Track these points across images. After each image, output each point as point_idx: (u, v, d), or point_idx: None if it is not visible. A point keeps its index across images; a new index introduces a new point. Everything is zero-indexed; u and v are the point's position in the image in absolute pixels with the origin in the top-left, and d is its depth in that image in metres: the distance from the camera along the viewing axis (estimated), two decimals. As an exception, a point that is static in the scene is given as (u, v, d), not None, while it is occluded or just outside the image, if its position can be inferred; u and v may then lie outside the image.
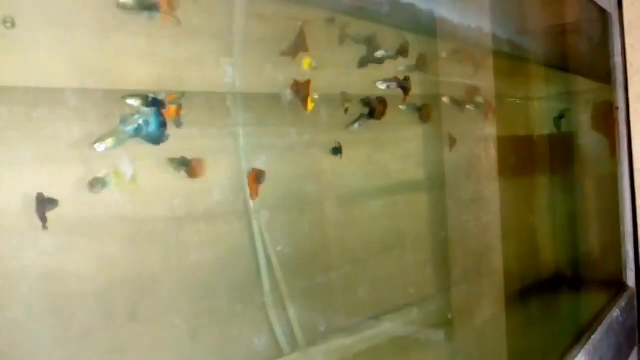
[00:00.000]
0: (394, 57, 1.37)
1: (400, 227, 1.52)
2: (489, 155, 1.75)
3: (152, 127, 0.84)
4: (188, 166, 0.91)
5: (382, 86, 1.30)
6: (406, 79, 1.37)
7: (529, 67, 2.11)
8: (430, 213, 1.64)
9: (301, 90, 1.10)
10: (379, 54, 1.29)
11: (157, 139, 0.85)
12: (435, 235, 1.63)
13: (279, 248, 1.10)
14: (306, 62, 1.14)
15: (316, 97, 1.14)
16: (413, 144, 1.58)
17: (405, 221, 1.55)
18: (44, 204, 0.72)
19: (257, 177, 1.02)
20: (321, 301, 1.25)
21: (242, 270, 1.08)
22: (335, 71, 1.26)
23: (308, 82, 1.10)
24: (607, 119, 2.44)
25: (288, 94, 1.09)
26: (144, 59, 0.88)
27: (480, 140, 1.74)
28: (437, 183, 1.62)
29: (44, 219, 0.72)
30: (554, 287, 2.14)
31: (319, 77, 1.15)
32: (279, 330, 1.12)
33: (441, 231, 1.62)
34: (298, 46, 1.12)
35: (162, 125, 0.86)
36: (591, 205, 2.53)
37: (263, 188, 1.07)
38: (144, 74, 0.88)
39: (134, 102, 0.83)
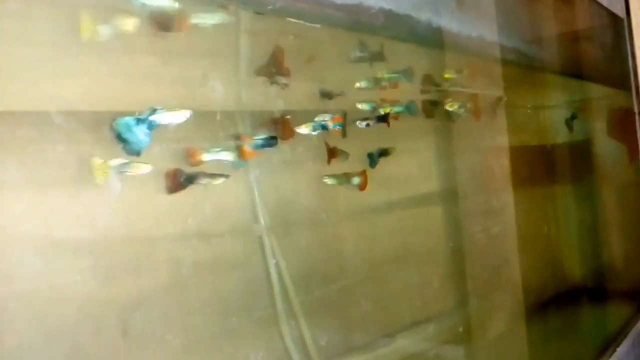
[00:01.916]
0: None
1: (414, 240, 1.49)
2: (501, 165, 1.72)
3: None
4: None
5: (362, 125, 1.27)
6: (385, 116, 1.34)
7: (540, 76, 2.09)
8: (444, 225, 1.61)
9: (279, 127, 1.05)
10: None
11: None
12: (450, 249, 1.60)
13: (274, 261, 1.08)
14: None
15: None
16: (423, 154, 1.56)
17: (419, 234, 1.52)
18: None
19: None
20: (335, 318, 1.22)
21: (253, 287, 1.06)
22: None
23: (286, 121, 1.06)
24: (624, 125, 2.40)
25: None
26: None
27: (486, 150, 1.72)
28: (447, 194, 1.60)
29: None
30: (575, 300, 2.09)
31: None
32: (292, 350, 1.10)
33: (455, 244, 1.59)
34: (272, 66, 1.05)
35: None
36: (611, 214, 2.47)
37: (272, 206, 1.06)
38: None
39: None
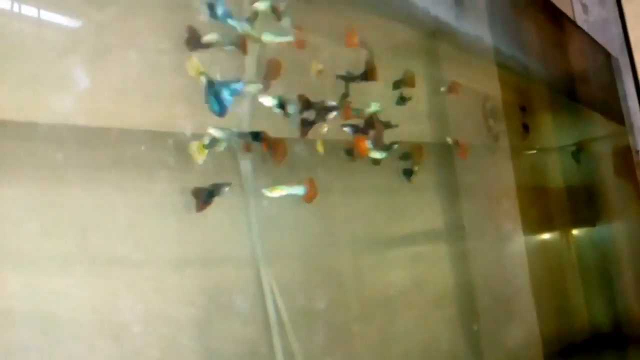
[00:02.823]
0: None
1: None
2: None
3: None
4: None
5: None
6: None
7: (544, 119, 2.07)
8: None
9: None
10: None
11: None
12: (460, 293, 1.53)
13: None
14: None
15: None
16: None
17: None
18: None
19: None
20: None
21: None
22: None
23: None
24: (630, 162, 2.37)
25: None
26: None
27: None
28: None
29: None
30: (594, 347, 2.01)
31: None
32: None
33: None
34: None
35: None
36: (623, 255, 2.41)
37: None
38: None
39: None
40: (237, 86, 0.95)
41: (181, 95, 0.89)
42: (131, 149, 0.81)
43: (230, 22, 0.95)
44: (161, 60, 0.88)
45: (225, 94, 0.93)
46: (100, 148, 0.78)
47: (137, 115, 0.83)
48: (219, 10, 0.94)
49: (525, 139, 1.82)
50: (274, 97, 1.01)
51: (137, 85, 0.83)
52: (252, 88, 0.98)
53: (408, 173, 1.34)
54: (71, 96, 0.74)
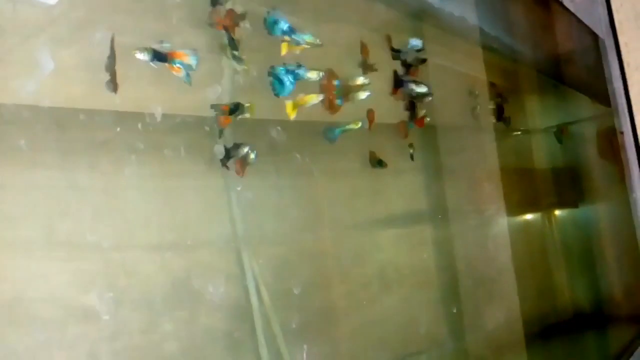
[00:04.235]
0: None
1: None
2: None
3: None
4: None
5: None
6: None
7: (530, 101, 2.07)
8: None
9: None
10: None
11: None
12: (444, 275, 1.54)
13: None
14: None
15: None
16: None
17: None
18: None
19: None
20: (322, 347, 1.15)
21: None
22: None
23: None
24: (614, 144, 2.37)
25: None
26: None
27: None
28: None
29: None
30: (575, 327, 2.03)
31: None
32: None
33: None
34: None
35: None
36: (605, 236, 2.43)
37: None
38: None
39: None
40: (300, 72, 1.07)
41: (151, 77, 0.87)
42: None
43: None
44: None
45: (289, 79, 1.04)
46: (72, 130, 0.76)
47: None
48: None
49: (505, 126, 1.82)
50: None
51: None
52: (313, 75, 1.10)
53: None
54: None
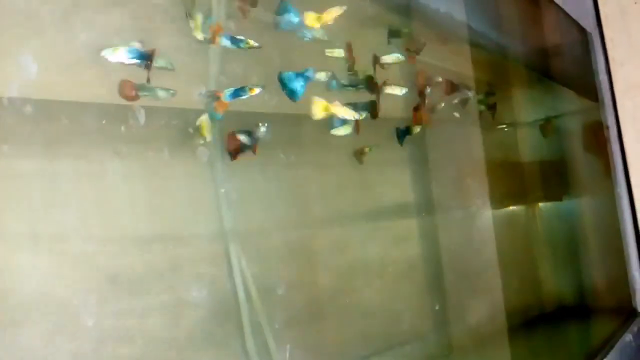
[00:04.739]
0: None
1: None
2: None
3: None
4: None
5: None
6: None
7: (515, 95, 2.08)
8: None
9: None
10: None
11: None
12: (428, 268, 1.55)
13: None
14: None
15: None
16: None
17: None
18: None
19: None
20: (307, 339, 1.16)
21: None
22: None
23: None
24: (599, 138, 2.39)
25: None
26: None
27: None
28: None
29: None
30: (559, 319, 2.05)
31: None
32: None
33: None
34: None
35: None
36: (589, 229, 2.45)
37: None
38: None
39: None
40: (309, 74, 1.08)
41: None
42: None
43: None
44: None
45: (299, 82, 1.06)
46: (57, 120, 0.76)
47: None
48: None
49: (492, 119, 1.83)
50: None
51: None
52: (321, 75, 1.14)
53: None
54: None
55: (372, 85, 1.29)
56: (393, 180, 1.51)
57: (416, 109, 1.44)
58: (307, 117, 1.14)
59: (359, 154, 1.29)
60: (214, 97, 0.96)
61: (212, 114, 0.96)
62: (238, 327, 1.00)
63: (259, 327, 1.02)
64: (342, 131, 1.18)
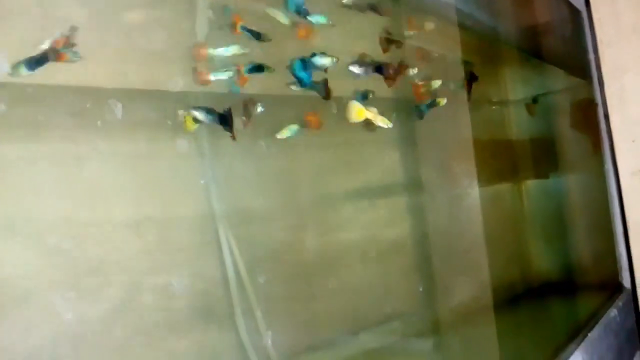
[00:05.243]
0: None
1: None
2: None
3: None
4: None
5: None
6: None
7: (502, 74, 2.08)
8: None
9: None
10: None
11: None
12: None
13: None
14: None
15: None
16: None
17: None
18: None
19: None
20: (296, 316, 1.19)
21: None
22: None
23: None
24: (587, 115, 2.40)
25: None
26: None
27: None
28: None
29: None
30: (545, 294, 2.08)
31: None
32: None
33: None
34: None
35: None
36: (575, 206, 2.47)
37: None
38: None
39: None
40: (314, 60, 1.13)
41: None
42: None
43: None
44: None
45: (308, 72, 1.11)
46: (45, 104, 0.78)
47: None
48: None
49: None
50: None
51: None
52: (327, 61, 1.15)
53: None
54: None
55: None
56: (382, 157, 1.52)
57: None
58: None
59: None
60: (236, 71, 1.01)
61: (234, 87, 1.02)
62: (229, 304, 1.03)
63: (249, 306, 1.05)
64: (287, 133, 1.15)
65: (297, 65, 1.09)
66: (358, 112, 1.18)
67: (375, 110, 1.21)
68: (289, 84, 1.15)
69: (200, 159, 1.01)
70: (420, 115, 1.51)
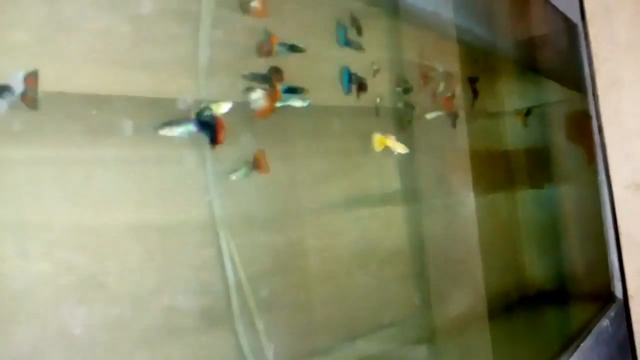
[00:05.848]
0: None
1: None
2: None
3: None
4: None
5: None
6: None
7: (501, 82, 2.10)
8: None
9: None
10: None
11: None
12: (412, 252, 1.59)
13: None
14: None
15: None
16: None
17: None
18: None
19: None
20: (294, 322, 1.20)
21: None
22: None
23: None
24: (582, 128, 2.43)
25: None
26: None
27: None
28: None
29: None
30: (538, 303, 2.10)
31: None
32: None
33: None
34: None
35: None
36: (569, 216, 2.49)
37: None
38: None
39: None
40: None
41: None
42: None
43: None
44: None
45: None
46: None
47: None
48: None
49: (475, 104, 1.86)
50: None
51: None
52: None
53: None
54: None
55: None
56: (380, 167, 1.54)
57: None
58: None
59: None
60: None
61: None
62: (228, 309, 1.04)
63: (248, 310, 1.06)
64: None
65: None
66: (379, 141, 1.33)
67: (393, 137, 1.37)
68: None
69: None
70: (454, 124, 1.70)
